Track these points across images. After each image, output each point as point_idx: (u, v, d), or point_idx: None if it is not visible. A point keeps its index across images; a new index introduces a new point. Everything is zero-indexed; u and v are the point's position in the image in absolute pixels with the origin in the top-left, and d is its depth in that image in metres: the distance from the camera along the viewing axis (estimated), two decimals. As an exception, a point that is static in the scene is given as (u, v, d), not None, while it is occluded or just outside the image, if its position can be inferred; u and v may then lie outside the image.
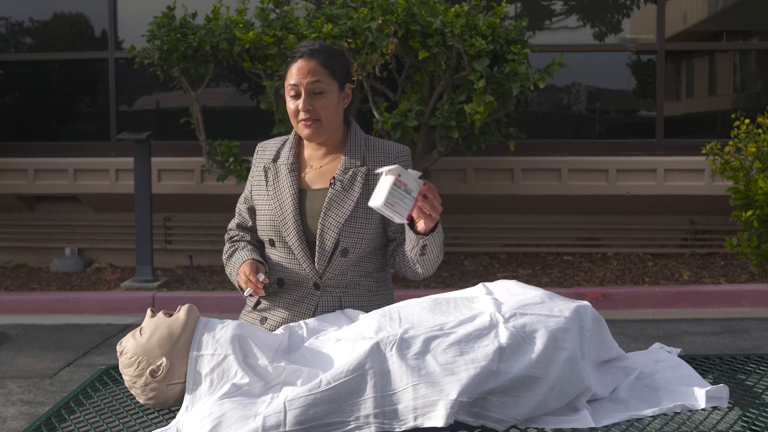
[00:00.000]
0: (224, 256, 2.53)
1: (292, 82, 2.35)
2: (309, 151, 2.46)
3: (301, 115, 2.35)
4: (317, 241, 2.34)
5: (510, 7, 7.05)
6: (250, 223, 2.51)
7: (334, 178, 2.37)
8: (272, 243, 2.41)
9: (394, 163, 2.26)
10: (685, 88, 7.57)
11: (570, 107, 7.57)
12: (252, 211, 2.50)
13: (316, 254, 2.35)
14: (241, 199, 2.54)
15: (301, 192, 2.40)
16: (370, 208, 2.30)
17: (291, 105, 2.37)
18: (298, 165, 2.44)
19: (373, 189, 2.10)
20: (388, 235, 2.44)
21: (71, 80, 7.76)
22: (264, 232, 2.43)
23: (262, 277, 2.27)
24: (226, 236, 2.58)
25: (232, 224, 2.57)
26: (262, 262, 2.37)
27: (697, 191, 6.70)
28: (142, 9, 6.95)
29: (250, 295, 2.35)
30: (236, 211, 2.57)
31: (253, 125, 7.06)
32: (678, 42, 7.34)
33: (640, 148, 7.01)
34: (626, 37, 7.39)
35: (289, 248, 2.37)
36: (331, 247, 2.34)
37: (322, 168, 2.42)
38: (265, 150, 2.50)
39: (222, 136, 6.58)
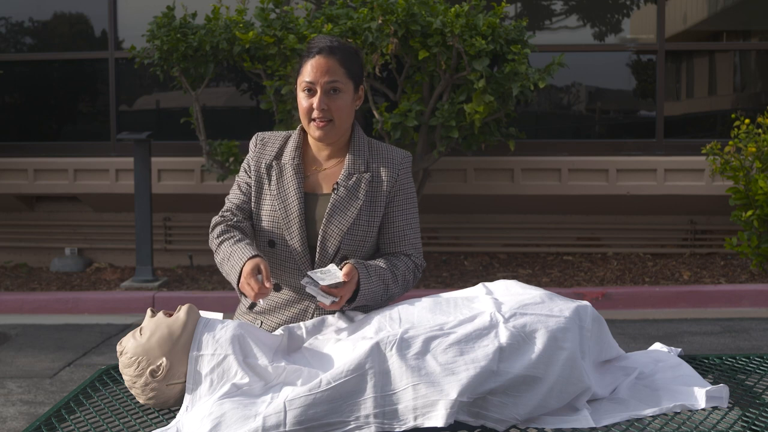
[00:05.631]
0: (215, 241, 2.39)
1: (309, 79, 2.28)
2: (314, 151, 2.40)
3: (315, 114, 2.28)
4: (318, 247, 2.30)
5: (510, 7, 7.04)
6: (248, 206, 2.40)
7: (337, 183, 2.32)
8: (272, 244, 2.35)
9: (400, 170, 2.36)
10: (685, 88, 7.57)
11: (570, 107, 7.57)
12: (249, 196, 2.40)
13: (317, 260, 2.31)
14: (240, 184, 2.42)
15: (306, 195, 2.35)
16: (372, 215, 2.30)
17: (304, 102, 2.30)
18: (303, 166, 2.38)
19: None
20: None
21: (71, 80, 7.76)
22: (264, 233, 2.37)
23: (266, 283, 2.15)
24: (216, 220, 2.42)
25: (229, 206, 2.42)
26: (261, 256, 2.23)
27: (697, 191, 6.69)
28: (142, 9, 6.95)
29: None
30: (232, 193, 2.44)
31: (253, 125, 7.05)
32: (678, 42, 7.34)
33: (640, 148, 7.01)
34: (626, 37, 7.39)
35: (290, 252, 2.33)
36: (332, 254, 2.30)
37: (326, 171, 2.38)
38: (265, 144, 2.42)
39: (222, 136, 6.58)
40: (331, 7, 6.02)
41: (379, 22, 5.67)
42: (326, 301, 2.14)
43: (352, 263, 2.20)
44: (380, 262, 2.30)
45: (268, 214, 2.36)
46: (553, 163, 6.79)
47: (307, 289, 2.16)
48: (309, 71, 2.29)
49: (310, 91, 2.29)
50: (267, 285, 2.14)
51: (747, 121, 6.17)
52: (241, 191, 2.43)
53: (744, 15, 7.51)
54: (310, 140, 2.41)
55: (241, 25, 6.06)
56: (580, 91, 7.46)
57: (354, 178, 2.33)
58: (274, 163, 2.38)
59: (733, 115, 6.47)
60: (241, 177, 2.44)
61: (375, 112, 5.91)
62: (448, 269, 6.71)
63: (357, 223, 2.31)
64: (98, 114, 7.66)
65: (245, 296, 2.24)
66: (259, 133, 2.46)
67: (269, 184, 2.37)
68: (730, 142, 6.08)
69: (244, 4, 6.24)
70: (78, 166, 7.14)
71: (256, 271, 2.16)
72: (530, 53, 5.94)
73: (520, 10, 7.31)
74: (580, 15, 7.42)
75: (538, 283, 6.20)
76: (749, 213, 5.92)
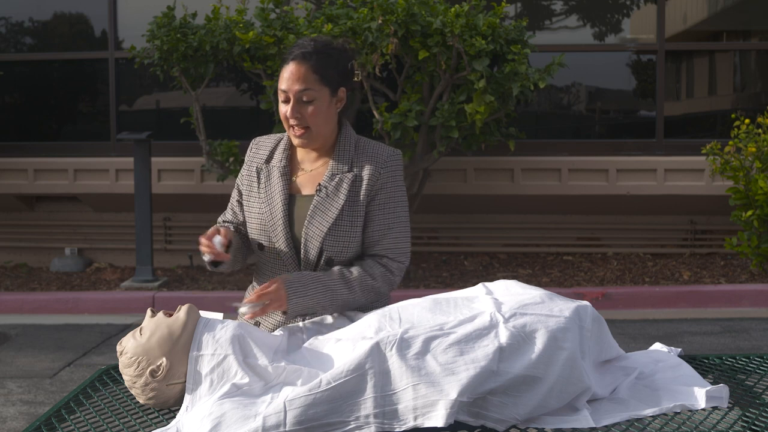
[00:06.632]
0: None
1: (282, 87, 2.28)
2: (301, 153, 2.41)
3: (291, 122, 2.29)
4: (302, 249, 2.31)
5: (510, 7, 7.04)
6: (241, 218, 2.45)
7: (320, 184, 2.31)
8: (261, 247, 2.37)
9: (384, 167, 2.32)
10: (685, 88, 7.57)
11: (570, 107, 7.57)
12: (238, 215, 2.46)
13: (302, 261, 2.32)
14: (234, 194, 2.48)
15: (291, 197, 2.35)
16: (354, 215, 2.29)
17: (281, 109, 2.31)
18: (290, 168, 2.38)
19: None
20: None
21: (71, 80, 7.76)
22: (253, 236, 2.38)
23: (218, 239, 2.24)
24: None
25: (220, 219, 2.51)
26: (227, 227, 2.34)
27: (697, 191, 6.69)
28: (142, 9, 6.95)
29: (211, 261, 2.32)
30: (229, 206, 2.51)
31: (253, 125, 7.05)
32: (678, 42, 7.34)
33: (640, 148, 7.01)
34: (626, 37, 7.39)
35: (277, 253, 2.34)
36: (315, 256, 2.30)
37: (312, 172, 2.37)
38: (259, 148, 2.44)
39: (222, 136, 6.58)
40: (331, 7, 6.02)
41: (379, 22, 5.67)
42: (255, 308, 2.21)
43: (280, 278, 2.26)
44: (334, 270, 2.29)
45: (256, 217, 2.38)
46: (553, 163, 6.79)
47: (238, 311, 2.24)
48: (284, 79, 2.29)
49: (285, 99, 2.29)
50: (222, 239, 2.24)
51: (747, 121, 6.18)
52: (232, 209, 2.50)
53: (744, 15, 7.51)
54: None
55: (241, 25, 6.06)
56: (580, 91, 7.46)
57: (336, 179, 2.32)
58: (264, 167, 2.40)
59: (733, 115, 6.46)
60: (234, 194, 2.50)
61: (375, 112, 5.91)
62: (448, 269, 6.71)
63: (338, 223, 2.29)
64: (98, 114, 7.66)
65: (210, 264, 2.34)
66: (256, 138, 2.49)
67: (258, 188, 2.39)
68: (730, 142, 6.08)
69: (244, 4, 6.24)
70: (78, 166, 7.14)
71: (215, 231, 2.26)
72: (530, 53, 5.94)
73: (520, 10, 7.31)
74: (580, 15, 7.42)
75: (538, 283, 6.20)
76: (749, 213, 5.92)
